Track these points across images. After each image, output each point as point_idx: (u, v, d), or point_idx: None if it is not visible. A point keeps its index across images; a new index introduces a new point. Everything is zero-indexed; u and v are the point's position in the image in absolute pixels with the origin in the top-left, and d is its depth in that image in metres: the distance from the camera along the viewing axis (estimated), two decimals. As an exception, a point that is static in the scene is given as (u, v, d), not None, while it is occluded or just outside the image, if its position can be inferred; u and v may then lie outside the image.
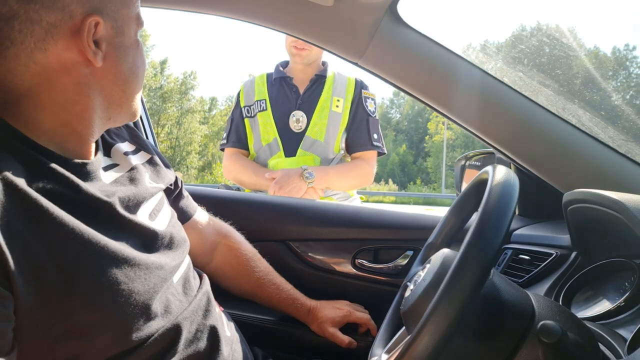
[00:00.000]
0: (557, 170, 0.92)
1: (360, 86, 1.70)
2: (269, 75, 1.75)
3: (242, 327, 0.87)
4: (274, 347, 1.03)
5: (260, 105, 1.68)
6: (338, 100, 1.66)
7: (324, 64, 1.72)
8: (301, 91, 1.68)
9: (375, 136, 1.67)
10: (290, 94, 1.68)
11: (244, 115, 1.71)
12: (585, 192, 0.70)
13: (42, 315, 0.54)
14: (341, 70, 1.75)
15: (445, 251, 0.65)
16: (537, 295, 0.62)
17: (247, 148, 1.72)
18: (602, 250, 0.75)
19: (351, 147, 1.68)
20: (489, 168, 0.64)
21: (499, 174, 0.59)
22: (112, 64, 0.64)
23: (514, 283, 0.63)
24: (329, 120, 1.63)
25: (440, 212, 1.13)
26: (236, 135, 1.73)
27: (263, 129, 1.65)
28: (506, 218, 0.53)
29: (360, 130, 1.66)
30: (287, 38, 1.65)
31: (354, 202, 1.71)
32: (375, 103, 1.73)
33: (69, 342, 0.56)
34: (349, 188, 1.68)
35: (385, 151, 1.72)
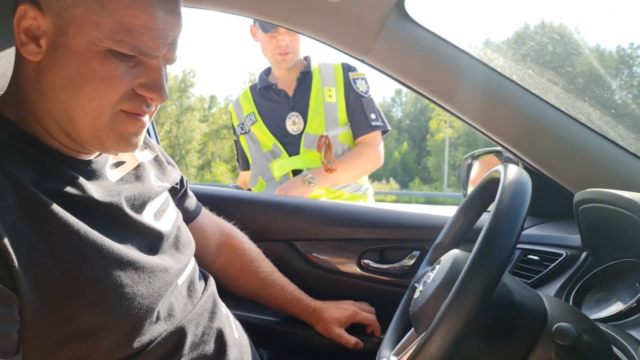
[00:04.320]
0: (566, 169, 0.91)
1: (347, 69, 1.66)
2: (252, 88, 1.74)
3: (246, 328, 0.86)
4: (278, 348, 1.02)
5: (251, 119, 1.68)
6: (330, 90, 1.63)
7: (306, 59, 1.68)
8: (290, 93, 1.65)
9: (373, 116, 1.63)
10: (279, 99, 1.66)
11: (239, 133, 1.73)
12: (597, 191, 0.69)
13: (46, 317, 0.53)
14: (325, 59, 1.71)
15: (455, 252, 0.64)
16: (548, 296, 0.61)
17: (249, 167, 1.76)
18: (613, 251, 0.74)
19: (353, 133, 1.64)
20: (500, 167, 0.64)
21: (511, 173, 0.58)
22: (50, 64, 0.58)
23: (526, 284, 0.62)
24: (325, 112, 1.61)
25: (443, 212, 1.12)
26: (241, 158, 1.80)
27: (261, 139, 1.66)
28: (519, 218, 0.52)
29: (356, 114, 1.63)
30: (265, 46, 1.61)
31: (368, 192, 1.69)
32: (366, 82, 1.67)
33: (72, 345, 0.55)
34: (358, 177, 1.66)
35: (389, 127, 1.67)
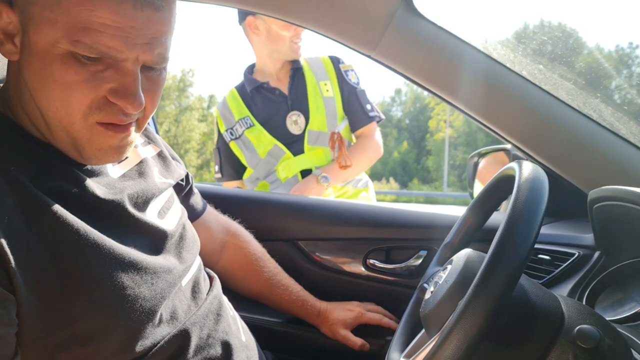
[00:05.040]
0: (577, 167, 0.89)
1: (336, 62, 1.64)
2: (240, 89, 1.66)
3: (251, 329, 0.84)
4: (283, 350, 1.00)
5: (246, 123, 1.60)
6: (326, 84, 1.60)
7: None
8: (286, 91, 1.60)
9: (368, 107, 1.63)
10: (275, 99, 1.60)
11: (228, 140, 1.64)
12: (612, 189, 0.68)
13: (45, 320, 0.51)
14: (307, 54, 1.68)
15: (467, 251, 0.62)
16: (564, 297, 0.60)
17: (242, 177, 1.69)
18: (627, 250, 0.73)
19: (351, 126, 1.63)
20: (514, 164, 0.62)
21: (527, 169, 0.57)
22: (22, 65, 0.55)
23: (541, 285, 0.61)
24: (325, 108, 1.58)
25: (447, 210, 1.10)
26: (230, 167, 1.68)
27: (257, 143, 1.59)
28: (538, 216, 0.51)
29: (353, 107, 1.61)
30: (281, 36, 1.54)
31: (368, 184, 1.68)
32: (356, 73, 1.66)
33: (72, 349, 0.53)
34: (364, 169, 1.66)
35: (383, 116, 1.68)
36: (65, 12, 0.50)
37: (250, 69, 1.68)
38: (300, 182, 1.53)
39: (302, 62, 1.63)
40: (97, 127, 0.55)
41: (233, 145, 1.65)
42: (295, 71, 1.61)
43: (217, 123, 1.69)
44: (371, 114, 1.62)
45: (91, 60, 0.51)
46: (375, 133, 1.65)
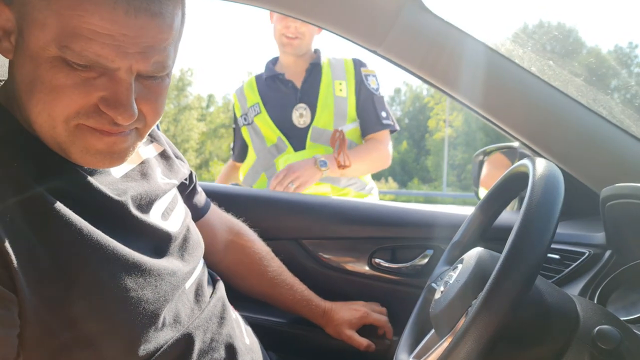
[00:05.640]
0: (586, 165, 0.88)
1: (359, 65, 1.63)
2: (258, 77, 1.69)
3: (254, 330, 0.83)
4: (287, 350, 0.99)
5: (255, 110, 1.63)
6: (340, 84, 1.59)
7: (316, 51, 1.64)
8: (298, 84, 1.60)
9: (384, 114, 1.61)
10: (286, 90, 1.61)
11: (241, 125, 1.69)
12: (626, 186, 0.66)
13: (47, 322, 0.50)
14: (335, 55, 1.68)
15: (478, 250, 0.61)
16: (579, 297, 0.59)
17: (244, 160, 1.74)
18: (639, 249, 0.72)
19: (362, 130, 1.61)
20: (526, 161, 0.61)
21: (541, 166, 0.56)
22: (15, 62, 0.53)
23: (555, 285, 0.59)
24: (334, 107, 1.56)
25: (452, 210, 1.09)
26: (238, 149, 1.76)
27: (265, 132, 1.61)
28: (554, 214, 0.50)
29: (367, 111, 1.60)
30: (275, 26, 1.56)
31: (372, 191, 1.66)
32: (377, 79, 1.64)
33: (74, 352, 0.52)
34: (367, 172, 1.64)
35: (398, 127, 1.66)
36: (54, 16, 0.48)
37: (275, 60, 1.69)
38: (298, 161, 1.48)
39: (324, 60, 1.63)
40: (81, 127, 0.52)
41: (244, 131, 1.67)
42: (314, 67, 1.61)
43: (234, 107, 1.74)
44: (385, 121, 1.60)
45: (82, 66, 0.49)
46: (386, 141, 1.62)
